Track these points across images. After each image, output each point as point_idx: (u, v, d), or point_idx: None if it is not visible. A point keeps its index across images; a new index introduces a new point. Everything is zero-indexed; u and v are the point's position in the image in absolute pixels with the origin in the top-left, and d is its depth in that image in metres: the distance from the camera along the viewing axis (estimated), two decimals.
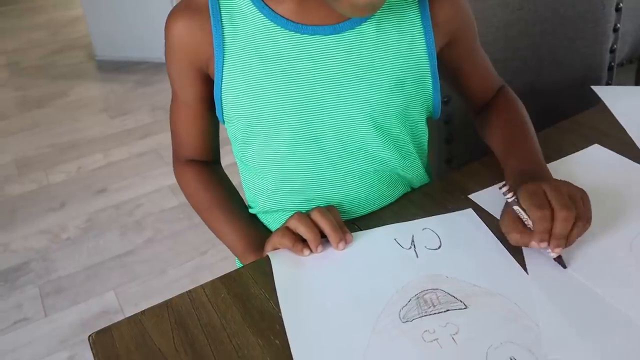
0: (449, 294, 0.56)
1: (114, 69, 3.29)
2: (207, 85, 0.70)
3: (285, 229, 0.63)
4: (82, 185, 2.19)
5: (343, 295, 0.57)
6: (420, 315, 0.54)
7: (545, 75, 1.15)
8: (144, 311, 0.58)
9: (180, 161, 0.80)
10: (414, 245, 0.63)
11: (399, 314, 0.54)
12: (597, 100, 0.94)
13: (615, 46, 1.21)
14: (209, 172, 0.79)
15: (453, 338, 0.51)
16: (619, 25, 1.19)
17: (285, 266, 0.61)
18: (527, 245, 0.59)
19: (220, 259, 1.75)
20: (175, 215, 1.98)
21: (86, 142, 2.50)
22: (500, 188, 0.60)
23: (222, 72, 0.65)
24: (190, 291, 0.60)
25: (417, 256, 0.61)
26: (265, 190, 0.74)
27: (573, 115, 0.91)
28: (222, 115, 0.70)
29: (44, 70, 3.35)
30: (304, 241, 0.63)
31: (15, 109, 2.88)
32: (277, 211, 0.76)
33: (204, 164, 0.80)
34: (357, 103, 0.66)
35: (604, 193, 0.70)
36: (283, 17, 0.63)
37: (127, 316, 0.58)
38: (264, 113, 0.66)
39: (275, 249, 0.65)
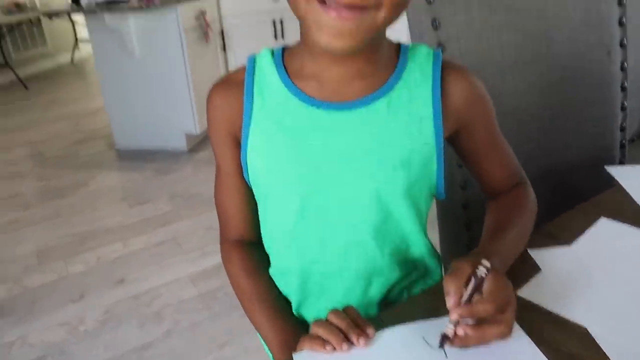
0: None
1: (134, 158, 3.38)
2: (241, 151, 0.75)
3: (311, 336, 0.63)
4: (101, 276, 2.19)
5: None
6: None
7: (559, 158, 1.17)
8: None
9: (226, 242, 0.83)
10: (443, 345, 0.60)
11: None
12: (613, 179, 0.95)
13: (624, 124, 1.23)
14: (252, 259, 0.82)
15: None
16: (625, 104, 1.22)
17: None
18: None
19: (240, 353, 1.71)
20: (194, 306, 1.96)
21: (105, 232, 2.53)
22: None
23: (248, 139, 0.72)
24: None
25: (446, 356, 0.59)
26: (277, 252, 0.79)
27: (590, 196, 0.92)
28: (248, 177, 0.76)
29: (67, 161, 3.45)
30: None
31: (38, 198, 2.95)
32: (285, 273, 0.79)
33: (248, 247, 0.82)
34: (362, 177, 0.70)
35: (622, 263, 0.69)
36: (305, 93, 0.70)
37: None
38: (278, 179, 0.72)
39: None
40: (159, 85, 3.30)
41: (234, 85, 0.73)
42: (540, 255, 0.76)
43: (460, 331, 0.57)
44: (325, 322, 0.62)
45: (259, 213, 0.79)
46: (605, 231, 0.81)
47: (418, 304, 0.70)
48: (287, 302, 0.82)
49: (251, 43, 3.78)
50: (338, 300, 0.78)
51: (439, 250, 0.86)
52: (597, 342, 0.60)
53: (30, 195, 3.01)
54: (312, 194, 0.71)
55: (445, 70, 0.72)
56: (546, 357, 0.58)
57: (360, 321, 0.62)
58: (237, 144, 0.75)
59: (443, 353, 0.59)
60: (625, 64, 1.18)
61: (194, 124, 3.36)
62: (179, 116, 3.35)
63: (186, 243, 2.38)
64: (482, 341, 0.59)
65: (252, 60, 0.74)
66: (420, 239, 0.77)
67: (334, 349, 0.60)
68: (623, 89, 1.20)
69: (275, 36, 3.87)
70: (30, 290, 2.13)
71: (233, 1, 3.70)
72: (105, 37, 3.24)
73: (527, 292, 0.68)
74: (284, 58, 0.73)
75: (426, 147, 0.71)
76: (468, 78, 0.74)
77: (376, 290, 0.78)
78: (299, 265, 0.77)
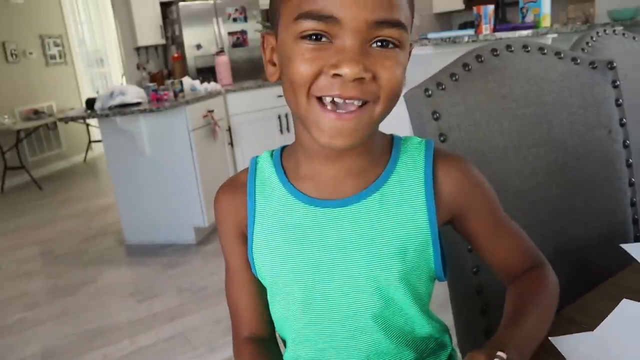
0: None
1: (143, 253, 3.38)
2: (247, 249, 0.78)
3: None
4: None
5: None
6: None
7: (571, 236, 1.15)
8: None
9: (238, 339, 0.84)
10: None
11: None
12: (631, 257, 0.93)
13: (634, 199, 1.23)
14: (264, 355, 0.81)
15: None
16: (633, 179, 1.22)
17: None
18: None
19: None
20: None
21: (113, 329, 2.48)
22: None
23: (253, 236, 0.76)
24: None
25: None
26: (288, 340, 0.80)
27: (609, 273, 0.89)
28: (256, 273, 0.78)
29: (76, 257, 3.45)
30: None
31: (46, 297, 2.92)
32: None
33: (260, 343, 0.82)
34: (360, 269, 0.72)
35: None
36: (302, 192, 0.73)
37: None
38: (281, 274, 0.74)
39: None
40: (168, 182, 3.36)
41: (238, 187, 0.78)
42: (562, 343, 0.73)
43: None
44: None
45: (270, 305, 0.80)
46: (628, 313, 0.78)
47: None
48: None
49: (258, 138, 3.89)
50: None
51: (454, 334, 0.83)
52: None
53: (39, 294, 2.98)
54: (313, 287, 0.73)
55: (437, 160, 0.74)
56: None
57: None
58: (245, 240, 0.78)
59: None
60: (628, 141, 1.20)
61: (203, 218, 3.39)
62: (187, 210, 3.38)
63: (195, 338, 2.31)
64: None
65: (254, 162, 0.79)
66: (423, 321, 0.77)
67: None
68: (629, 165, 1.21)
69: (281, 130, 3.99)
70: None
71: (240, 99, 3.86)
72: (117, 137, 3.35)
73: None
74: (283, 158, 0.77)
75: (421, 235, 0.73)
76: (461, 165, 0.76)
77: None
78: (309, 352, 0.77)
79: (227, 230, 0.79)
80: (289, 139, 4.06)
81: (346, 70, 0.60)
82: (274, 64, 0.71)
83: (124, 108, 3.21)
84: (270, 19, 0.72)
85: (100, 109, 3.29)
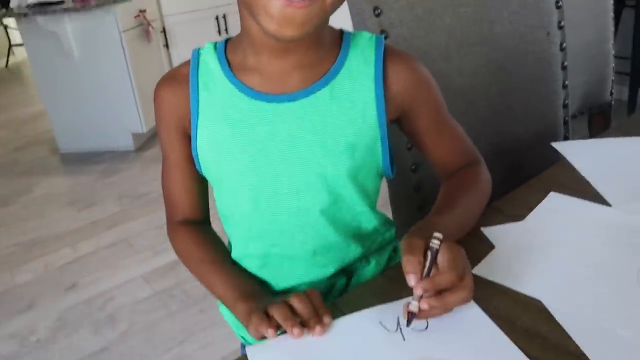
0: None
1: (78, 161, 3.27)
2: (191, 145, 0.76)
3: (264, 314, 0.62)
4: (50, 283, 2.11)
5: None
6: None
7: (507, 135, 1.19)
8: None
9: (172, 224, 0.84)
10: (400, 328, 0.60)
11: None
12: (560, 154, 0.97)
13: (567, 102, 1.27)
14: (200, 231, 0.83)
15: None
16: (567, 82, 1.26)
17: None
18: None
19: (200, 347, 1.69)
20: (150, 305, 1.92)
21: (53, 238, 2.44)
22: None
23: (197, 131, 0.73)
24: None
25: (404, 339, 0.59)
26: (236, 237, 0.81)
27: (540, 171, 0.94)
28: (201, 169, 0.77)
29: (8, 168, 3.30)
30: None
31: None
32: (247, 257, 0.80)
33: (194, 224, 0.84)
34: (309, 164, 0.72)
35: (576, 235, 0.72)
36: (247, 86, 0.71)
37: None
38: (228, 170, 0.73)
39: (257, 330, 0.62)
40: (101, 86, 3.20)
41: (180, 80, 0.74)
42: (493, 233, 0.77)
43: (425, 305, 0.58)
44: (283, 306, 0.61)
45: (217, 202, 0.80)
46: (555, 205, 0.83)
47: (373, 289, 0.70)
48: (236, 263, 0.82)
49: (194, 39, 3.69)
50: (297, 280, 0.79)
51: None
52: (552, 314, 0.61)
53: None
54: (262, 183, 0.73)
55: (387, 56, 0.73)
56: (502, 331, 0.59)
57: (320, 308, 0.62)
58: (186, 136, 0.76)
59: (401, 336, 0.59)
60: (564, 44, 1.22)
61: (140, 123, 3.28)
62: (124, 116, 3.26)
63: (137, 243, 2.32)
64: (446, 309, 0.59)
65: (196, 55, 0.75)
66: (370, 216, 0.79)
67: (274, 331, 0.60)
68: (564, 68, 1.24)
69: (219, 32, 3.82)
70: None
71: None
72: (41, 40, 3.13)
73: (482, 269, 0.69)
74: (227, 51, 0.74)
75: (370, 131, 0.73)
76: (410, 63, 0.76)
77: (333, 267, 0.79)
78: (258, 248, 0.78)
79: (167, 124, 0.77)
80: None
81: None
82: None
83: (45, 7, 2.96)
84: None
85: (17, 7, 3.02)
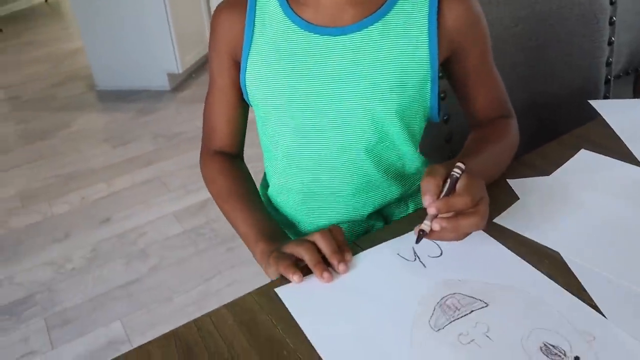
0: (468, 295, 0.57)
1: (115, 98, 3.32)
2: (240, 74, 0.78)
3: (282, 254, 0.64)
4: (85, 216, 2.19)
5: (368, 317, 0.57)
6: (449, 320, 0.55)
7: (544, 90, 1.16)
8: (151, 342, 0.57)
9: (207, 153, 0.87)
10: (418, 257, 0.63)
11: (429, 324, 0.55)
12: (596, 113, 0.95)
13: (610, 59, 1.22)
14: (231, 164, 0.85)
15: (487, 336, 0.53)
16: (613, 38, 1.20)
17: (299, 300, 0.60)
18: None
19: (226, 285, 1.75)
20: (180, 242, 1.98)
21: (89, 172, 2.52)
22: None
23: (247, 60, 0.74)
24: (196, 320, 0.59)
25: (424, 266, 0.62)
26: (276, 169, 0.81)
27: (572, 129, 0.92)
28: (248, 99, 0.78)
29: (45, 103, 3.38)
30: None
31: (18, 142, 2.91)
32: (287, 192, 0.82)
33: (228, 156, 0.86)
34: (357, 99, 0.72)
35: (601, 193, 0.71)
36: (302, 18, 0.72)
37: (134, 346, 0.57)
38: (276, 101, 0.74)
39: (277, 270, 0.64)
40: (139, 25, 3.20)
41: (238, 7, 0.75)
42: (518, 185, 0.77)
43: (436, 225, 0.59)
44: (310, 248, 0.62)
45: (260, 133, 0.82)
46: (584, 162, 0.82)
47: (393, 230, 0.70)
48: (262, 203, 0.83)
49: None
50: (335, 218, 0.80)
51: None
52: (570, 266, 0.61)
53: (10, 138, 2.96)
54: (307, 115, 0.73)
55: None
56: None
57: (342, 245, 0.64)
58: (236, 63, 0.78)
59: (420, 264, 0.61)
60: None
61: (176, 63, 3.29)
62: (160, 55, 3.27)
63: (170, 182, 2.37)
64: (457, 233, 0.60)
65: None
66: (414, 156, 0.80)
67: (300, 276, 0.61)
68: (611, 23, 1.19)
69: None
70: (15, 232, 2.13)
71: None
72: None
73: (504, 219, 0.69)
74: None
75: (420, 69, 0.72)
76: (466, 2, 0.74)
77: (372, 207, 0.80)
78: (299, 184, 0.80)
79: (220, 48, 0.78)
80: None
81: None
82: None
83: None
84: None
85: None
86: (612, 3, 1.17)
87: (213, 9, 3.78)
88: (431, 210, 0.58)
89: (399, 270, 0.62)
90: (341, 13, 0.70)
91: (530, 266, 0.61)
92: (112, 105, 3.24)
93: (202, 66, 3.70)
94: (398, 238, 0.67)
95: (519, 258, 0.62)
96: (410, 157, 0.79)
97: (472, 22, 0.75)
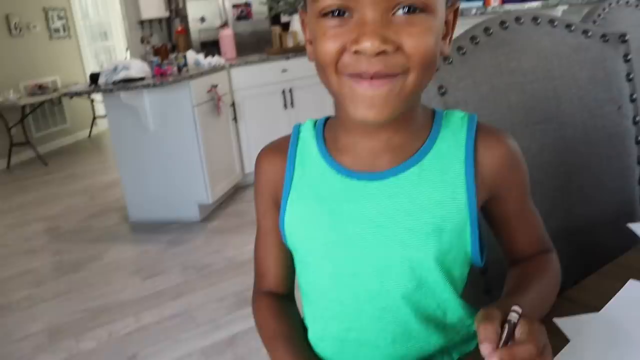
0: None
1: (147, 230, 3.39)
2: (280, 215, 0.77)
3: None
4: (113, 352, 2.14)
5: None
6: None
7: (578, 215, 1.13)
8: None
9: (259, 293, 0.85)
10: None
11: None
12: (637, 237, 0.91)
13: None
14: (280, 305, 0.83)
15: None
16: None
17: None
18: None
19: None
20: None
21: (118, 306, 2.49)
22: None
23: (286, 204, 0.75)
24: None
25: None
26: (314, 317, 0.79)
27: (615, 254, 0.87)
28: (286, 241, 0.77)
29: (81, 234, 3.46)
30: None
31: (52, 274, 2.93)
32: (324, 339, 0.78)
33: (278, 297, 0.84)
34: (394, 245, 0.69)
35: None
36: (339, 164, 0.72)
37: None
38: (313, 246, 0.73)
39: None
40: (172, 158, 3.34)
41: (280, 152, 0.77)
42: (567, 325, 0.71)
43: None
44: None
45: (299, 277, 0.80)
46: (635, 294, 0.77)
47: None
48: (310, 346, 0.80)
49: (262, 113, 3.86)
50: None
51: None
52: None
53: (44, 270, 3.00)
54: (344, 260, 0.71)
55: (479, 136, 0.71)
56: None
57: None
58: (278, 206, 0.77)
59: None
60: (638, 117, 1.17)
61: (207, 194, 3.37)
62: (191, 187, 3.37)
63: (199, 316, 2.32)
64: None
65: (297, 130, 0.78)
66: (456, 305, 0.75)
67: None
68: (638, 142, 1.18)
69: (285, 105, 3.95)
70: None
71: (244, 73, 3.81)
72: (121, 112, 3.33)
73: None
74: (325, 128, 0.76)
75: (459, 214, 0.69)
76: (504, 142, 0.73)
77: (413, 358, 0.75)
78: (336, 330, 0.76)
79: (263, 191, 0.79)
80: (293, 114, 4.03)
81: (366, 45, 0.57)
82: (311, 43, 0.67)
83: (128, 83, 3.17)
84: None
85: (104, 83, 3.25)
86: (635, 123, 1.17)
87: (242, 140, 3.97)
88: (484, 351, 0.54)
89: None
90: (378, 159, 0.70)
91: None
92: (143, 237, 3.30)
93: (231, 196, 3.79)
94: None
95: None
96: (452, 305, 0.74)
97: (511, 163, 0.73)
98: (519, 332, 0.55)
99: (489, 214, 0.77)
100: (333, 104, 0.71)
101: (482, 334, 0.55)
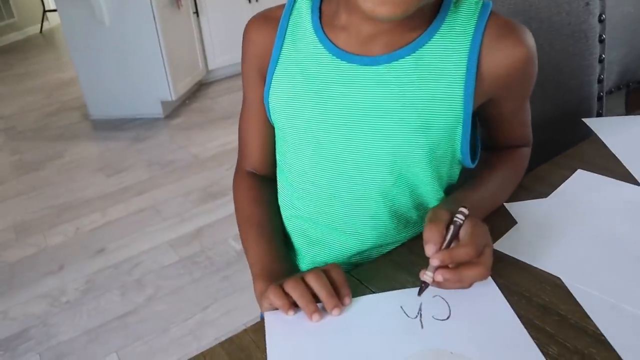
0: None
1: (109, 127, 3.32)
2: (265, 89, 0.75)
3: (281, 289, 0.60)
4: (80, 246, 2.17)
5: None
6: None
7: (537, 110, 1.15)
8: None
9: (241, 171, 0.85)
10: (421, 315, 0.58)
11: None
12: (591, 131, 0.94)
13: (602, 76, 1.22)
14: (260, 188, 0.82)
15: None
16: (603, 56, 1.21)
17: (280, 329, 0.58)
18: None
19: (223, 313, 1.72)
20: (176, 271, 1.96)
21: (83, 202, 2.50)
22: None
23: (272, 78, 0.72)
24: (191, 359, 0.58)
25: (422, 327, 0.57)
26: (287, 194, 0.78)
27: (568, 148, 0.91)
28: (270, 115, 0.75)
29: (40, 133, 3.37)
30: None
31: (13, 173, 2.89)
32: (295, 217, 0.78)
33: (259, 178, 0.84)
34: (378, 136, 0.67)
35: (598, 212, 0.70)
36: (332, 42, 0.68)
37: None
38: (295, 123, 0.71)
39: (272, 304, 0.62)
40: (131, 54, 3.22)
41: (270, 22, 0.73)
42: (516, 209, 0.76)
43: (439, 277, 0.56)
44: (301, 284, 0.59)
45: (278, 154, 0.79)
46: (581, 183, 0.81)
47: (393, 259, 0.69)
48: (286, 238, 0.80)
49: (224, 7, 3.69)
50: (335, 254, 0.76)
51: None
52: (570, 291, 0.60)
53: (4, 170, 2.94)
54: (325, 144, 0.70)
55: (492, 28, 0.64)
56: (518, 307, 0.58)
57: (341, 287, 0.60)
58: (264, 79, 0.74)
59: (419, 324, 0.57)
60: (603, 15, 1.17)
61: (169, 91, 3.29)
62: (153, 83, 3.28)
63: (165, 210, 2.35)
64: (460, 284, 0.58)
65: (292, 0, 0.73)
66: (434, 203, 0.74)
67: (294, 311, 0.59)
68: (601, 40, 1.19)
69: (249, 0, 3.78)
70: (8, 265, 2.10)
71: None
72: (74, 6, 3.14)
73: (503, 245, 0.68)
74: (323, 1, 0.71)
75: (451, 112, 0.66)
76: (523, 44, 0.65)
77: (378, 252, 0.75)
78: (308, 212, 0.76)
79: (250, 63, 0.76)
80: (258, 8, 3.85)
81: None
82: None
83: None
84: None
85: None
86: (600, 21, 1.17)
87: (205, 35, 3.82)
88: (434, 262, 0.56)
89: (394, 325, 0.58)
90: (374, 42, 0.65)
91: (533, 344, 0.54)
92: (105, 134, 3.24)
93: (195, 93, 3.71)
94: (408, 289, 0.62)
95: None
96: (430, 203, 0.74)
97: (525, 69, 0.67)
98: (462, 234, 0.58)
99: (482, 114, 0.73)
100: None
101: (427, 235, 0.57)
